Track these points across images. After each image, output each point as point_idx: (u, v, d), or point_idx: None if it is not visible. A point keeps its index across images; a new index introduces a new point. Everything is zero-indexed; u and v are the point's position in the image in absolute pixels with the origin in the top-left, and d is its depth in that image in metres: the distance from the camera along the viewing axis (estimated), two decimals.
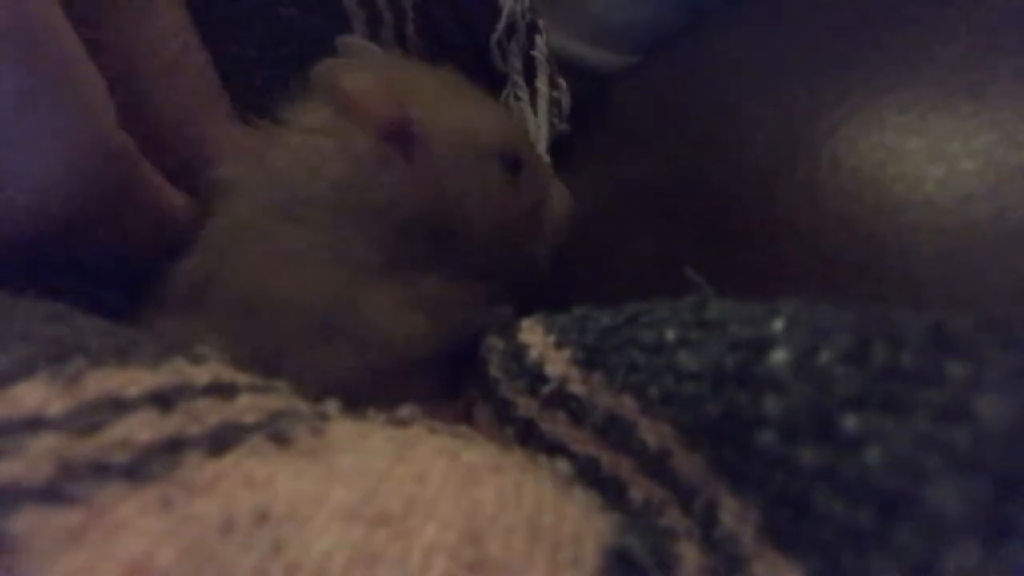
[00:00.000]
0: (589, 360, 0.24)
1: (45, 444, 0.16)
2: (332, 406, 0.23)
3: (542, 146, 0.46)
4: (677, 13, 0.50)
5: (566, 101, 0.49)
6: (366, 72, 0.33)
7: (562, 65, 0.50)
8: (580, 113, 0.47)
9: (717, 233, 0.29)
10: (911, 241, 0.23)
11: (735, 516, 0.19)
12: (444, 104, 0.35)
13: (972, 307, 0.22)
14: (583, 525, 0.19)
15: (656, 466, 0.22)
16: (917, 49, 0.27)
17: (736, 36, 0.36)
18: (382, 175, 0.32)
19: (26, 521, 0.14)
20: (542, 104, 0.48)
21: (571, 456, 0.25)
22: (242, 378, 0.22)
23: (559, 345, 0.26)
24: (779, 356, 0.18)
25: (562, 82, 0.49)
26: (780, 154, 0.27)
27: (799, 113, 0.27)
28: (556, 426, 0.26)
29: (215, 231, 0.32)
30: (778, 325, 0.19)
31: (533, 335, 0.27)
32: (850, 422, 0.16)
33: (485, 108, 0.37)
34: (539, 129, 0.47)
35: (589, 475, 0.24)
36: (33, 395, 0.17)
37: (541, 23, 0.49)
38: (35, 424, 0.16)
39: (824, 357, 0.17)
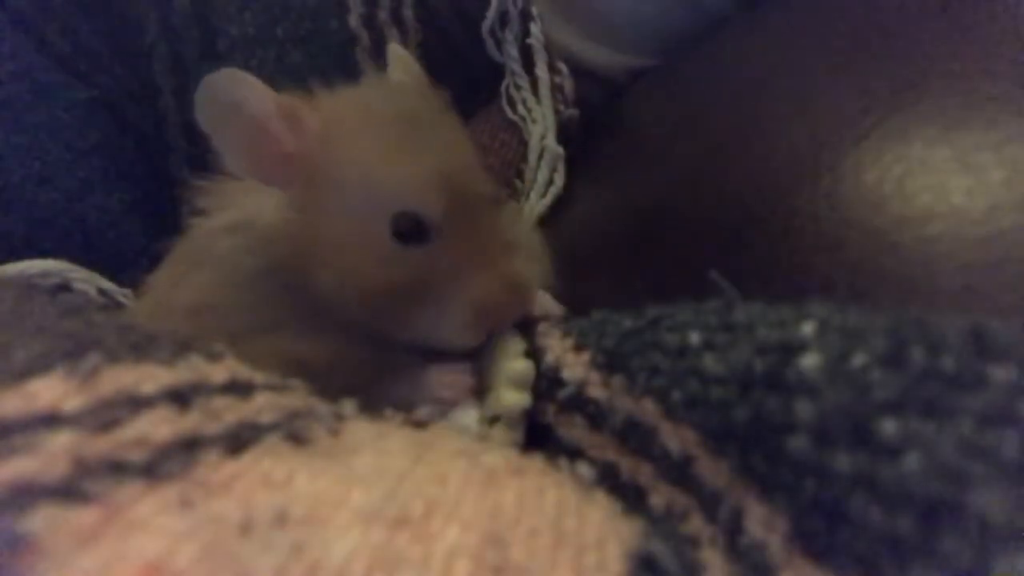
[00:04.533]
0: (609, 363, 0.23)
1: (62, 441, 0.15)
2: (348, 406, 0.23)
3: (550, 135, 0.46)
4: (683, 11, 0.50)
5: (569, 86, 0.48)
6: (266, 96, 0.29)
7: (573, 68, 0.50)
8: (595, 119, 0.47)
9: (739, 242, 0.28)
10: (936, 251, 0.23)
11: (763, 524, 0.18)
12: (361, 145, 0.29)
13: (998, 317, 0.21)
14: (606, 530, 0.19)
15: (678, 472, 0.21)
16: (942, 60, 0.26)
17: (756, 46, 0.36)
18: (263, 246, 0.30)
19: (43, 520, 0.14)
20: (544, 91, 0.47)
21: (589, 461, 0.24)
22: (259, 376, 0.22)
23: (578, 348, 0.25)
24: (811, 360, 0.18)
25: (563, 67, 0.49)
26: (804, 164, 0.27)
27: (823, 124, 0.27)
28: (574, 431, 0.25)
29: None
30: (808, 328, 0.18)
31: (550, 338, 0.27)
32: (889, 427, 0.15)
33: (414, 160, 0.29)
34: (544, 117, 0.47)
35: (608, 481, 0.23)
36: (50, 391, 0.17)
37: (534, 10, 0.48)
38: (52, 420, 0.16)
39: (858, 360, 0.17)
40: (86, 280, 0.40)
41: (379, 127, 0.30)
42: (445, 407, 0.28)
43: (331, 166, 0.29)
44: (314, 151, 0.29)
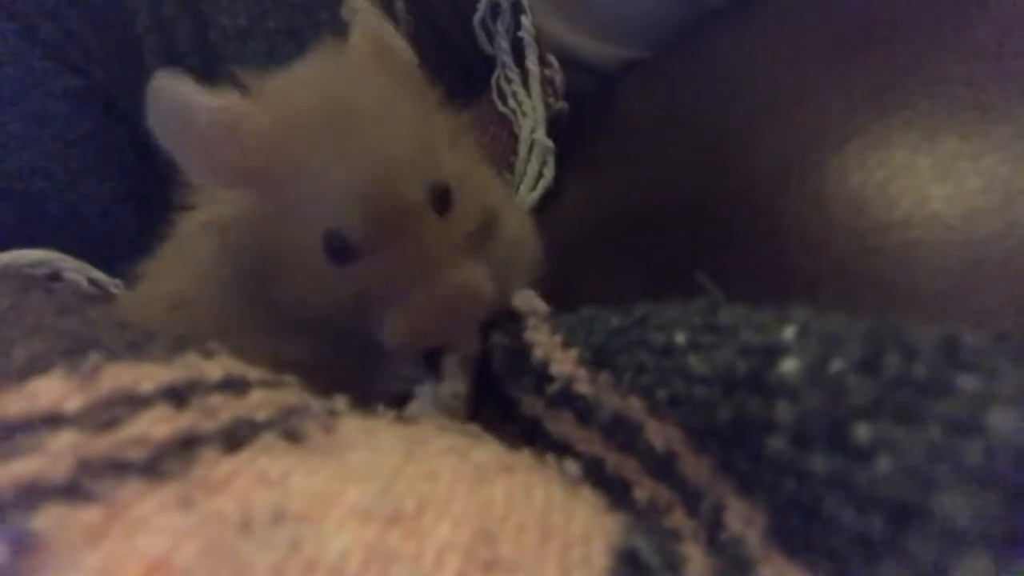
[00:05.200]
0: (597, 360, 0.24)
1: (64, 441, 0.16)
2: (341, 402, 0.24)
3: (540, 128, 0.46)
4: (675, 5, 0.50)
5: (560, 79, 0.49)
6: (205, 102, 0.27)
7: (563, 59, 0.50)
8: (584, 114, 0.47)
9: (724, 241, 0.29)
10: (917, 255, 0.24)
11: (742, 519, 0.19)
12: (296, 151, 0.27)
13: (977, 320, 0.22)
14: (592, 525, 0.20)
15: (662, 468, 0.22)
16: (926, 66, 0.27)
17: (745, 44, 0.36)
18: (230, 247, 0.29)
19: (48, 518, 0.14)
20: (534, 84, 0.48)
21: (576, 455, 0.25)
22: (253, 373, 0.22)
23: (566, 344, 0.26)
24: (791, 363, 0.18)
25: (553, 60, 0.49)
26: (790, 165, 0.27)
27: (809, 125, 0.28)
28: (561, 425, 0.26)
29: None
30: (790, 332, 0.19)
31: (539, 334, 0.28)
32: (862, 431, 0.16)
33: (339, 169, 0.26)
34: (534, 110, 0.47)
35: (594, 475, 0.24)
36: (51, 390, 0.17)
37: (526, 2, 0.48)
38: (54, 420, 0.16)
39: (836, 366, 0.17)
40: (77, 270, 0.41)
41: (314, 127, 0.27)
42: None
43: (273, 174, 0.27)
44: (257, 159, 0.27)
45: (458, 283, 0.27)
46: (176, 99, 0.27)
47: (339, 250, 0.26)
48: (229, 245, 0.30)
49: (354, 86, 0.29)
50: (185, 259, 0.32)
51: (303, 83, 0.30)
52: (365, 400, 0.24)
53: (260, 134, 0.27)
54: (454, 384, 0.29)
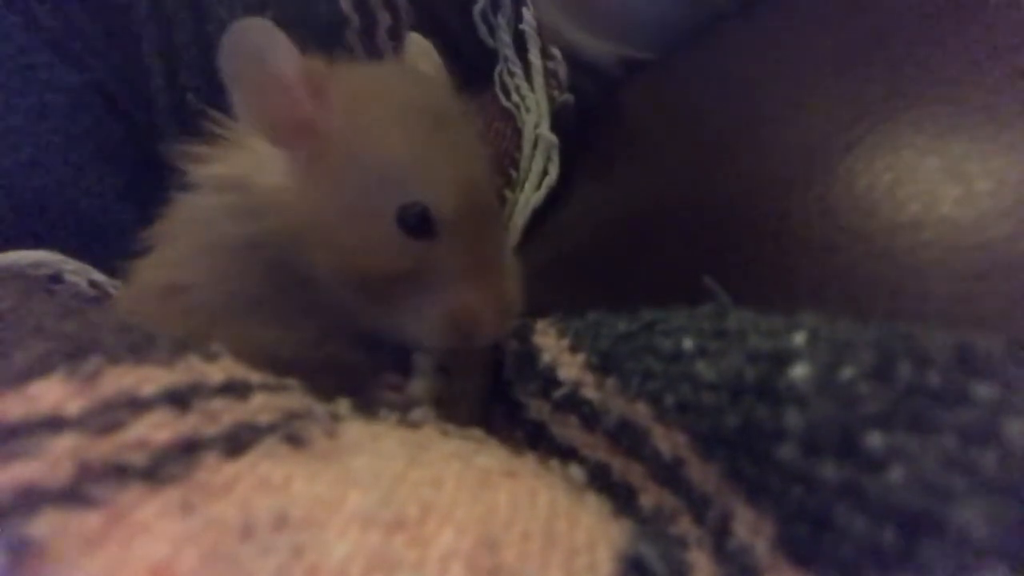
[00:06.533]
0: (604, 365, 0.24)
1: (65, 444, 0.16)
2: (344, 406, 0.23)
3: (544, 123, 0.46)
4: (685, 6, 0.50)
5: (563, 71, 0.48)
6: (293, 55, 0.28)
7: (566, 56, 0.50)
8: (590, 112, 0.47)
9: (731, 244, 0.29)
10: (927, 259, 0.24)
11: (749, 528, 0.19)
12: (384, 127, 0.29)
13: (987, 324, 0.22)
14: (597, 532, 0.19)
15: (669, 474, 0.22)
16: (933, 69, 0.27)
17: (751, 48, 0.36)
18: (252, 209, 0.29)
19: (48, 524, 0.14)
20: (537, 77, 0.47)
21: (581, 460, 0.25)
22: (255, 376, 0.22)
23: (573, 349, 0.25)
24: (801, 370, 0.18)
25: (556, 52, 0.48)
26: (796, 169, 0.27)
27: (815, 129, 0.28)
28: (568, 430, 0.26)
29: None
30: (799, 339, 0.19)
31: (547, 338, 0.27)
32: (875, 439, 0.16)
33: (436, 155, 0.29)
34: (538, 104, 0.46)
35: (599, 480, 0.24)
36: (51, 393, 0.17)
37: None
38: (54, 423, 0.16)
39: (847, 373, 0.17)
40: (77, 272, 0.40)
41: (405, 114, 0.29)
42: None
43: (348, 140, 0.28)
44: (334, 121, 0.29)
45: (507, 288, 0.29)
46: (265, 44, 0.28)
47: (415, 224, 0.28)
48: (246, 206, 0.29)
49: (435, 92, 0.32)
50: (177, 237, 0.32)
51: (382, 73, 0.33)
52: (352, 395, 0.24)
53: (343, 98, 0.29)
54: (426, 382, 0.29)
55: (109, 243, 0.45)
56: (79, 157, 0.46)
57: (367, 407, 0.24)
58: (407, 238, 0.28)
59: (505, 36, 0.48)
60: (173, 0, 0.47)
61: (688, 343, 0.21)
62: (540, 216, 0.43)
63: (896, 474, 0.15)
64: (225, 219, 0.30)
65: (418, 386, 0.29)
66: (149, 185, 0.49)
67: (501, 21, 0.48)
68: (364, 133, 0.29)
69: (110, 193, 0.48)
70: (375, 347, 0.30)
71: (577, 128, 0.47)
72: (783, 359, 0.19)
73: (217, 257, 0.30)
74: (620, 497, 0.23)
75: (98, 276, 0.41)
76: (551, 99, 0.47)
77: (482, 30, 0.49)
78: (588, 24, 0.53)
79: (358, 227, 0.28)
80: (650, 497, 0.23)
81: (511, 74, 0.48)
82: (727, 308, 0.22)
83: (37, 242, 0.41)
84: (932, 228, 0.24)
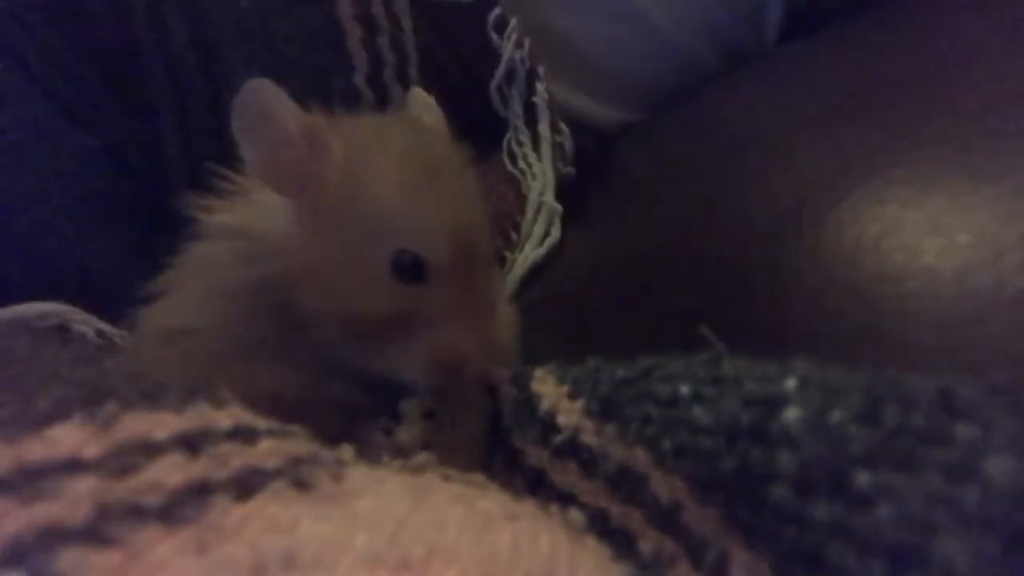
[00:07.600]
0: (603, 411, 0.24)
1: (84, 486, 0.16)
2: (347, 451, 0.24)
3: (549, 192, 0.47)
4: (675, 70, 0.52)
5: (569, 145, 0.50)
6: (293, 112, 0.30)
7: (567, 119, 0.51)
8: (586, 168, 0.48)
9: (724, 293, 0.30)
10: (911, 307, 0.24)
11: (746, 570, 0.19)
12: (380, 176, 0.30)
13: (970, 372, 0.22)
14: (598, 575, 0.20)
15: (667, 519, 0.22)
16: (917, 128, 0.28)
17: (741, 105, 0.37)
18: (257, 254, 0.31)
19: (69, 561, 0.14)
20: (545, 149, 0.49)
21: (581, 507, 0.25)
22: (262, 422, 0.23)
23: (572, 396, 0.26)
24: (793, 413, 0.19)
25: (564, 127, 0.50)
26: (786, 220, 0.28)
27: (804, 183, 0.29)
28: (567, 476, 0.26)
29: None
30: (791, 384, 0.19)
31: (546, 385, 0.28)
32: (863, 478, 0.16)
33: (429, 204, 0.30)
34: (544, 174, 0.48)
35: (598, 526, 0.24)
36: (70, 437, 0.17)
37: (540, 70, 0.50)
38: (73, 466, 0.17)
39: (837, 416, 0.18)
40: (85, 322, 0.41)
41: (401, 163, 0.31)
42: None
43: (347, 189, 0.30)
44: (333, 171, 0.30)
45: (495, 331, 0.31)
46: (269, 102, 0.30)
47: (408, 270, 0.29)
48: (251, 252, 0.31)
49: (433, 143, 0.33)
50: (182, 282, 0.33)
51: (383, 124, 0.34)
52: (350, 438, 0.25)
53: (343, 151, 0.31)
54: (413, 429, 0.30)
55: (117, 300, 0.46)
56: (88, 219, 0.47)
57: (369, 453, 0.25)
58: (399, 283, 0.29)
59: (517, 108, 0.50)
60: (187, 73, 0.49)
61: (685, 389, 0.22)
62: (538, 271, 0.44)
63: (884, 511, 0.16)
64: (231, 265, 0.32)
65: (405, 432, 0.30)
66: (158, 241, 0.50)
67: (515, 94, 0.50)
68: (361, 182, 0.30)
69: (119, 251, 0.48)
70: (374, 389, 0.31)
71: (573, 185, 0.48)
72: (776, 403, 0.19)
73: (223, 301, 0.31)
74: (619, 542, 0.23)
75: (104, 326, 0.41)
76: (556, 170, 0.49)
77: (496, 101, 0.51)
78: (591, 90, 0.55)
79: (353, 271, 0.30)
80: (649, 542, 0.23)
81: (519, 143, 0.50)
82: (722, 355, 0.23)
83: (42, 299, 0.41)
84: (916, 278, 0.25)
